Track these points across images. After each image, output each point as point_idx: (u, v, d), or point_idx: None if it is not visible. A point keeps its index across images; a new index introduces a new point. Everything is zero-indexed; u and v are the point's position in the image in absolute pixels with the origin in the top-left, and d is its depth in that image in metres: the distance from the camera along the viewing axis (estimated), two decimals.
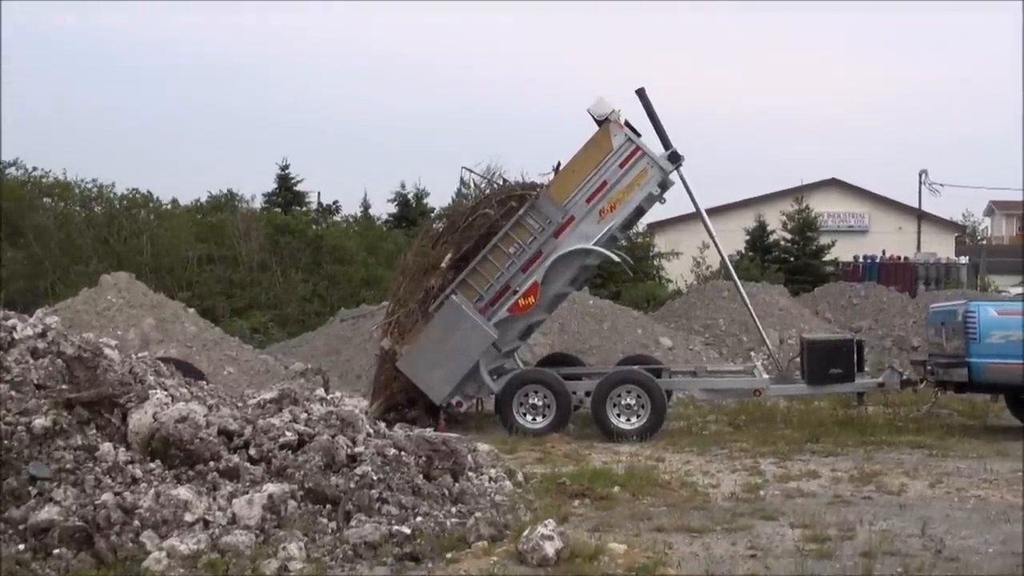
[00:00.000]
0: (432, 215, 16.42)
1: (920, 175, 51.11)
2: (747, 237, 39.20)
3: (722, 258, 15.93)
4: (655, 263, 37.64)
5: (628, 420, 13.10)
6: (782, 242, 39.06)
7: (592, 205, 13.42)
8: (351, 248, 30.35)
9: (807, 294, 27.12)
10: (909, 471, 10.59)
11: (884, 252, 43.45)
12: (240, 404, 8.90)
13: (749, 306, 15.03)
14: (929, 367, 13.99)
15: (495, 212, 13.51)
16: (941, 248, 47.12)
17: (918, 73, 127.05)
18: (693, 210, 14.76)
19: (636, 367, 14.32)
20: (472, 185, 15.01)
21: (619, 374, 13.69)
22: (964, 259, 44.22)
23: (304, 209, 41.48)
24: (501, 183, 13.99)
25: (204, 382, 9.76)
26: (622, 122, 13.47)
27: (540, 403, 13.31)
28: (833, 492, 9.52)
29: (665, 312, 24.23)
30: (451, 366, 13.22)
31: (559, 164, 13.71)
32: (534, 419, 13.27)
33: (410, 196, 42.42)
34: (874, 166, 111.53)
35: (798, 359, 14.81)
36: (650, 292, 32.41)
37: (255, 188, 45.24)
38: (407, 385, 13.47)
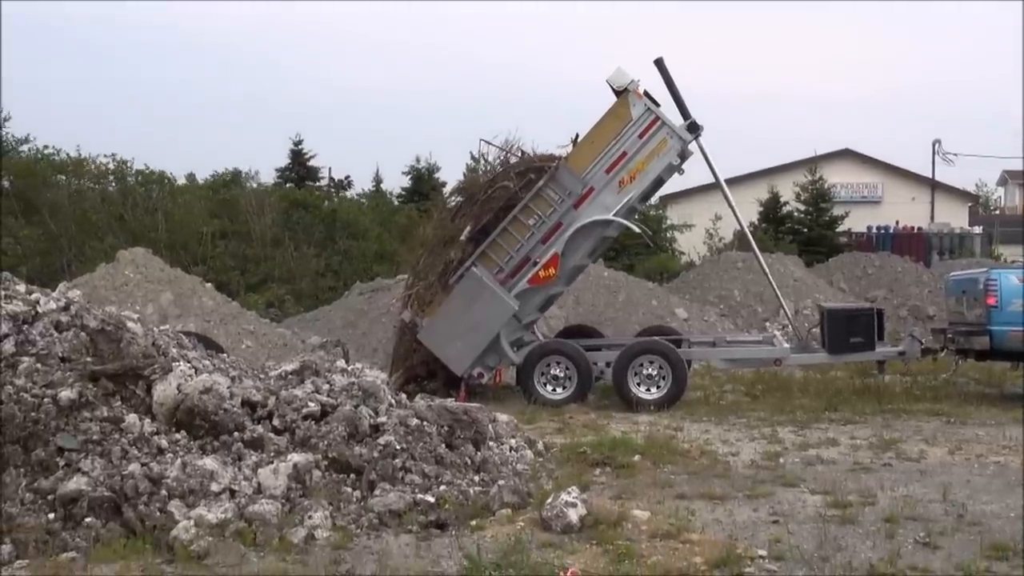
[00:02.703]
0: (451, 188, 16.36)
1: (934, 145, 50.83)
2: (760, 208, 39.08)
3: (741, 228, 15.84)
4: (668, 235, 37.60)
5: (649, 390, 13.14)
6: (795, 213, 38.94)
7: (612, 176, 13.40)
8: (364, 223, 30.38)
9: (821, 264, 27.12)
10: (928, 438, 10.62)
11: (897, 222, 43.27)
12: (262, 376, 8.96)
13: (769, 276, 14.98)
14: (950, 335, 13.97)
15: (514, 184, 13.50)
16: (955, 218, 46.87)
17: (932, 43, 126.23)
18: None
19: (657, 338, 14.32)
20: (482, 160, 14.96)
21: (640, 344, 13.70)
22: (978, 229, 44.03)
23: (317, 184, 41.60)
24: (519, 155, 13.96)
25: (224, 355, 9.81)
26: (641, 92, 13.42)
27: (561, 374, 13.36)
28: (853, 459, 9.55)
29: (680, 283, 24.25)
30: (472, 337, 13.26)
31: (577, 136, 13.69)
32: (555, 389, 13.32)
33: (423, 170, 42.48)
34: (888, 136, 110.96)
35: (817, 328, 14.79)
36: (663, 264, 32.39)
37: (267, 164, 45.40)
38: (427, 357, 13.53)
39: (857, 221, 40.83)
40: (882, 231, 41.36)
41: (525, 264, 13.43)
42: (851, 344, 13.57)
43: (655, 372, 13.19)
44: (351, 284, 25.27)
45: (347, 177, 44.02)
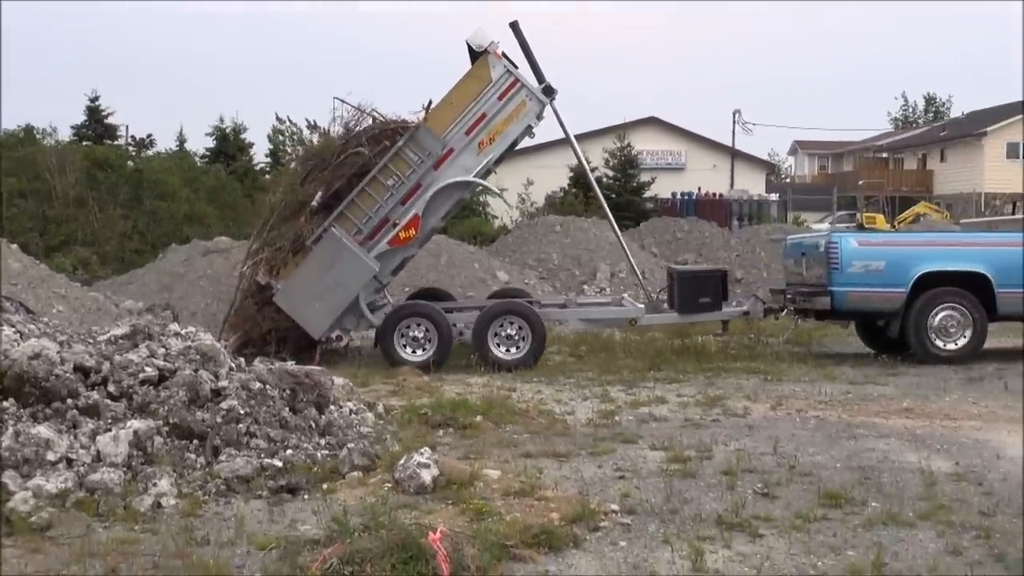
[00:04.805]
0: (303, 152, 15.86)
1: (734, 114, 52.91)
2: (571, 174, 39.75)
3: (596, 192, 16.32)
4: (480, 198, 37.83)
5: (508, 350, 13.26)
6: (604, 179, 39.77)
7: (471, 137, 13.37)
8: (173, 184, 29.35)
9: (633, 229, 27.82)
10: (750, 395, 11.05)
11: (700, 189, 44.88)
12: (91, 341, 8.58)
13: (620, 238, 15.54)
14: (789, 295, 14.58)
15: (368, 151, 13.30)
16: (752, 185, 48.97)
17: (732, 13, 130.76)
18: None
19: (518, 299, 14.47)
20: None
21: (501, 305, 13.80)
22: (775, 196, 46.09)
23: (116, 143, 40.11)
24: (373, 119, 13.76)
25: (46, 319, 9.36)
26: (500, 53, 13.41)
27: (421, 336, 13.29)
28: (683, 416, 9.87)
29: (499, 247, 24.48)
30: (331, 299, 13.06)
31: (430, 103, 13.59)
32: (414, 351, 13.26)
33: (228, 130, 41.55)
34: (690, 105, 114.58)
35: (665, 290, 15.17)
36: (476, 228, 32.63)
37: (58, 121, 43.17)
38: (277, 322, 13.23)
39: (662, 187, 42.11)
40: (686, 197, 42.85)
41: (384, 225, 13.29)
42: (699, 304, 14.00)
43: (515, 333, 13.31)
44: (160, 246, 24.48)
45: (149, 136, 42.69)
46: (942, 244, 14.42)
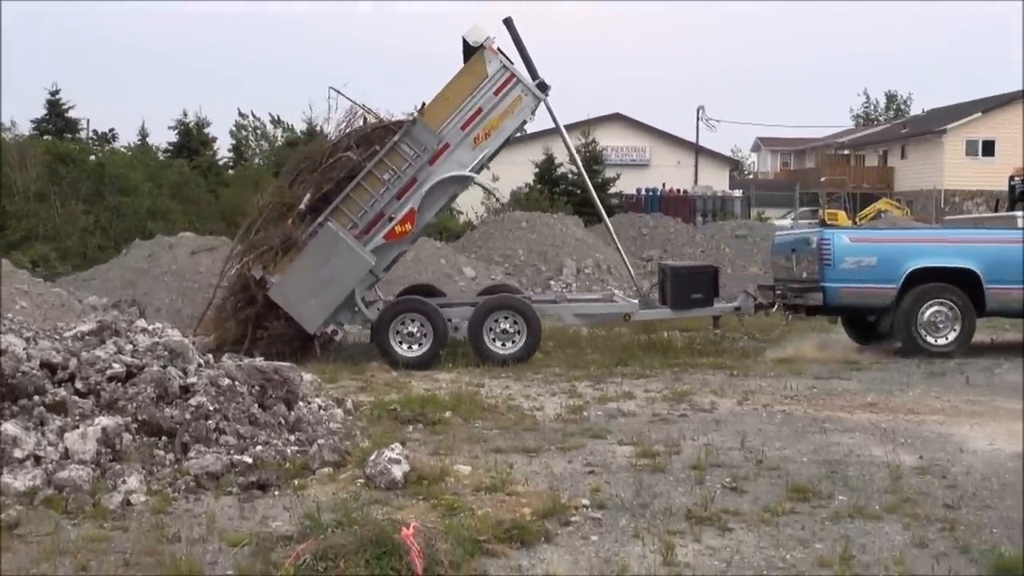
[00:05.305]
0: (295, 154, 15.72)
1: (698, 111, 53.15)
2: (536, 170, 39.80)
3: (589, 190, 16.26)
4: None
5: (503, 345, 13.29)
6: (569, 175, 39.82)
7: (467, 132, 13.34)
8: (136, 179, 29.04)
9: (599, 224, 27.82)
10: (716, 390, 11.12)
11: (664, 185, 45.09)
12: (57, 337, 8.52)
13: (615, 237, 15.64)
14: (779, 291, 14.67)
15: (357, 156, 13.24)
16: (716, 181, 49.25)
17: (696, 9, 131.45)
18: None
19: (513, 294, 14.56)
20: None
21: (496, 300, 13.81)
22: (738, 192, 46.34)
23: (77, 136, 39.76)
24: (365, 118, 13.73)
25: (10, 316, 9.28)
26: (496, 49, 13.40)
27: (416, 331, 13.26)
28: (651, 411, 9.91)
29: (465, 242, 24.46)
30: (326, 294, 13.01)
31: (423, 104, 13.56)
32: (410, 347, 13.24)
33: (191, 125, 41.30)
34: (654, 102, 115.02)
35: (656, 286, 15.22)
36: (442, 223, 32.52)
37: (17, 115, 42.52)
38: (268, 319, 13.16)
39: (627, 183, 42.23)
40: (650, 193, 43.05)
41: (379, 220, 13.24)
42: (692, 300, 14.08)
43: (510, 328, 13.34)
44: (123, 242, 24.24)
45: (111, 130, 42.44)
46: (932, 240, 14.60)
